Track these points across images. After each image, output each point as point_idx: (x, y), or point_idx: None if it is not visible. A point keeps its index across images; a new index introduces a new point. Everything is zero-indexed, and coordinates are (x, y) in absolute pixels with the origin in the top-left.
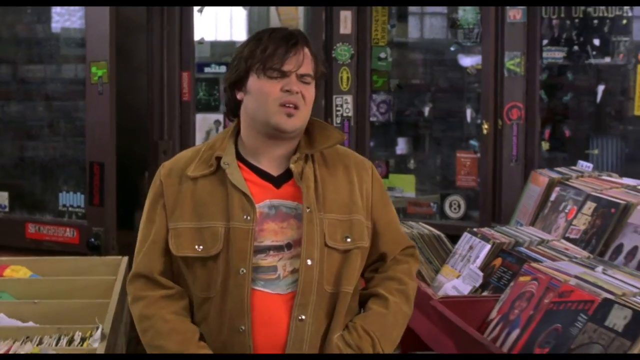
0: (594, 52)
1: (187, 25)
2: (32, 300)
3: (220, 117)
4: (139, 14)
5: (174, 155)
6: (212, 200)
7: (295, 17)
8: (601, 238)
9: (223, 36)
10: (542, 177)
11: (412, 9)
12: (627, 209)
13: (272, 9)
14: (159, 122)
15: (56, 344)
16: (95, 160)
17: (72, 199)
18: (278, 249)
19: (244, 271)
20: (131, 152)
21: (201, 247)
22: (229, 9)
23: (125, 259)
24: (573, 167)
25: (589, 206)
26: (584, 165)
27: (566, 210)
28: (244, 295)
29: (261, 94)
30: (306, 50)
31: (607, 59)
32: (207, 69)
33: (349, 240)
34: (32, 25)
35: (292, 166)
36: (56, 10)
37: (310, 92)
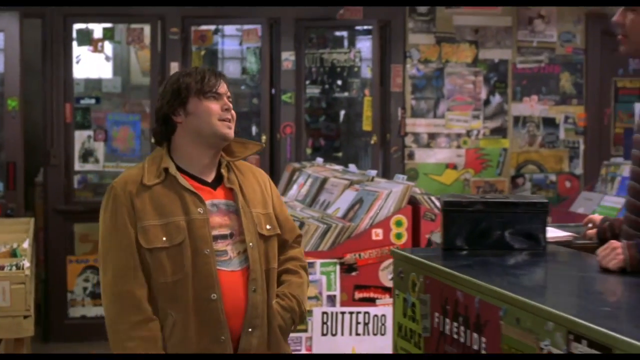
0: (338, 89)
1: (68, 69)
2: None
3: (90, 133)
4: (34, 60)
5: (60, 156)
6: (169, 200)
7: (148, 59)
8: (311, 197)
9: (93, 76)
10: (290, 166)
11: (222, 56)
12: (325, 180)
13: (133, 56)
14: (50, 136)
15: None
16: (11, 160)
17: None
18: (224, 237)
19: (208, 251)
20: (31, 156)
21: (165, 238)
22: (99, 57)
23: (32, 219)
24: (312, 161)
25: (310, 181)
26: (318, 160)
27: (299, 184)
28: (212, 270)
29: (205, 112)
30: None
31: (346, 94)
32: (82, 101)
33: (269, 228)
34: None
35: (223, 171)
36: None
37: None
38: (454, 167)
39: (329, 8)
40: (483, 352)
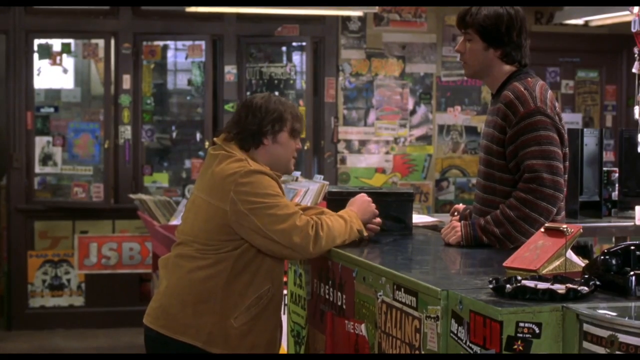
0: None
1: (30, 80)
2: None
3: (49, 139)
4: None
5: (22, 160)
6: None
7: (102, 72)
8: None
9: (54, 86)
10: None
11: (169, 69)
12: None
13: (93, 68)
14: (13, 142)
15: None
16: None
17: None
18: None
19: None
20: None
21: None
22: (58, 69)
23: None
24: None
25: None
26: None
27: None
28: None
29: (289, 147)
30: None
31: None
32: (42, 110)
33: None
34: None
35: None
36: None
37: None
38: (383, 171)
39: (268, 25)
40: (344, 306)
